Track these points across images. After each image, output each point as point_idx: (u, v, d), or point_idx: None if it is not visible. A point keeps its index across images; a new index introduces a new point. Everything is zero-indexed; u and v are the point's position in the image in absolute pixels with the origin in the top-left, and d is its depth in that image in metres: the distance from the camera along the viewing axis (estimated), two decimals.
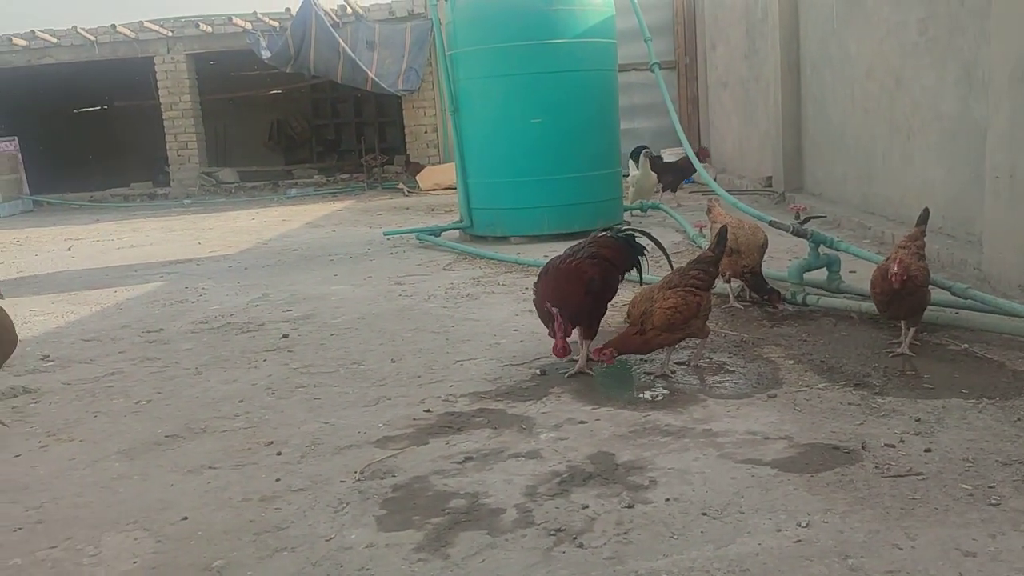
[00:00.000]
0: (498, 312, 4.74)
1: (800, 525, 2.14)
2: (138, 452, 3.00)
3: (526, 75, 6.92)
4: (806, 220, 4.47)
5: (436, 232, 7.70)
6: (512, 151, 7.07)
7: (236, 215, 11.85)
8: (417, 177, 13.55)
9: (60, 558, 2.25)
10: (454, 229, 7.74)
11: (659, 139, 12.58)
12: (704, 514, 2.24)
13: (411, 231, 7.95)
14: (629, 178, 8.27)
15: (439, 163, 14.02)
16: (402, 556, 2.13)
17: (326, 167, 16.93)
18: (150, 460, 2.92)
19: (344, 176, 15.30)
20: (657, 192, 8.73)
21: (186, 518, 2.44)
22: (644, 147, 8.60)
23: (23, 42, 14.90)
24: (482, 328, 4.42)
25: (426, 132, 14.55)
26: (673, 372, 3.45)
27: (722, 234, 3.64)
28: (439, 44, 7.49)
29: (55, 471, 2.87)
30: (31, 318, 5.51)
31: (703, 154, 9.88)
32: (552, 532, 2.19)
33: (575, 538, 2.15)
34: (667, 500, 2.33)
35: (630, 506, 2.31)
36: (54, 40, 14.90)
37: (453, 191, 12.29)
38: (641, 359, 3.66)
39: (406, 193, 13.22)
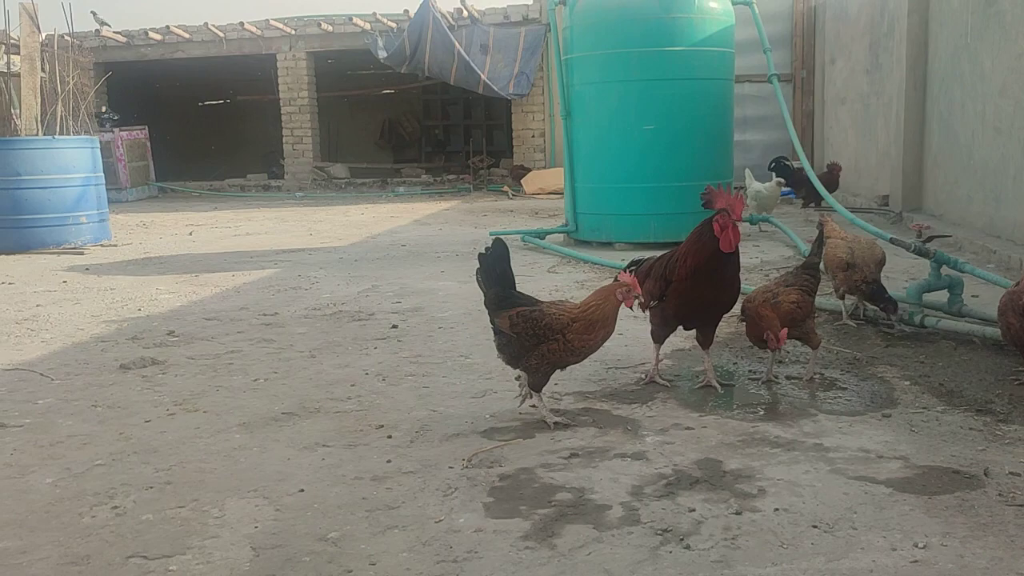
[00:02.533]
0: None
1: (917, 546, 2.08)
2: (257, 426, 3.14)
3: (641, 82, 6.92)
4: (929, 239, 4.33)
5: (541, 235, 7.76)
6: (622, 157, 7.06)
7: (346, 209, 12.20)
8: (522, 181, 13.67)
9: (188, 517, 2.38)
10: (559, 233, 7.79)
11: (770, 153, 12.33)
12: (815, 527, 2.20)
13: (516, 232, 8.03)
14: (748, 191, 7.98)
15: (544, 168, 14.10)
16: (509, 543, 2.17)
17: (433, 167, 17.24)
18: (268, 434, 3.05)
19: (451, 177, 15.55)
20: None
21: (302, 490, 2.54)
22: (783, 158, 8.39)
23: (158, 36, 15.70)
24: None
25: (533, 136, 14.66)
26: (776, 379, 3.41)
27: (820, 238, 3.69)
28: (555, 48, 7.54)
29: (181, 438, 3.03)
30: (157, 296, 5.81)
31: (836, 170, 9.58)
32: (659, 532, 2.20)
33: (682, 539, 2.15)
34: (776, 510, 2.31)
35: (738, 513, 2.29)
36: (186, 35, 15.65)
37: (557, 196, 12.39)
38: (748, 369, 3.61)
39: (510, 196, 13.35)
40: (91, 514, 2.42)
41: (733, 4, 7.27)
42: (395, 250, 7.76)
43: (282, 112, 15.77)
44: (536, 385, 3.05)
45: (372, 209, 12.07)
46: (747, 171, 8.27)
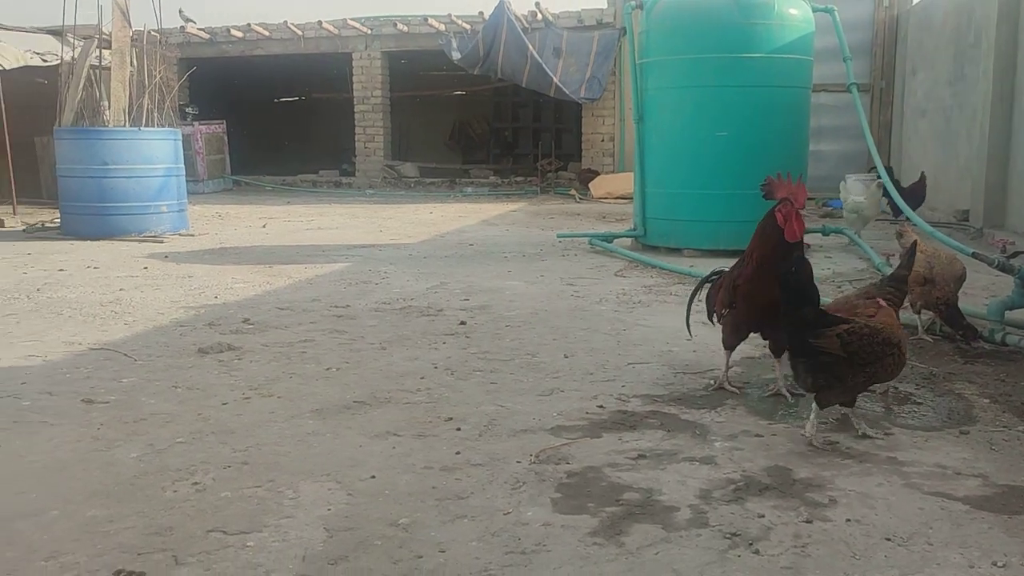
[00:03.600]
0: (671, 321, 4.73)
1: (996, 565, 2.04)
2: (329, 413, 3.21)
3: (716, 87, 6.86)
4: (1014, 255, 4.21)
5: (609, 238, 7.75)
6: (694, 163, 7.02)
7: (415, 208, 12.35)
8: (589, 185, 13.65)
9: (264, 497, 2.46)
10: (627, 237, 7.77)
11: (845, 164, 12.12)
12: (888, 539, 2.17)
13: (584, 235, 8.04)
14: (846, 204, 7.66)
15: (613, 172, 14.07)
16: (577, 538, 2.19)
17: (501, 169, 17.33)
18: (340, 421, 3.12)
19: (519, 179, 15.62)
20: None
21: (374, 477, 2.60)
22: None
23: (239, 34, 16.11)
24: (654, 335, 4.43)
25: (603, 141, 14.63)
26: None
27: (911, 250, 3.50)
28: (630, 52, 7.53)
29: (257, 421, 3.12)
30: (232, 285, 5.97)
31: (924, 181, 9.28)
32: (727, 535, 2.19)
33: (751, 544, 2.14)
34: (848, 520, 2.28)
35: (808, 521, 2.27)
36: (266, 33, 16.02)
37: (624, 200, 12.36)
38: None
39: (578, 199, 13.35)
40: (173, 488, 2.51)
41: (813, 11, 7.16)
42: (463, 249, 7.83)
43: (355, 110, 16.03)
44: (850, 403, 2.91)
45: (440, 208, 12.19)
46: (842, 183, 7.92)
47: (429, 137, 20.15)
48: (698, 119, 6.95)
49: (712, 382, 3.53)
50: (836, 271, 6.40)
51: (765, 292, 3.25)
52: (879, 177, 7.55)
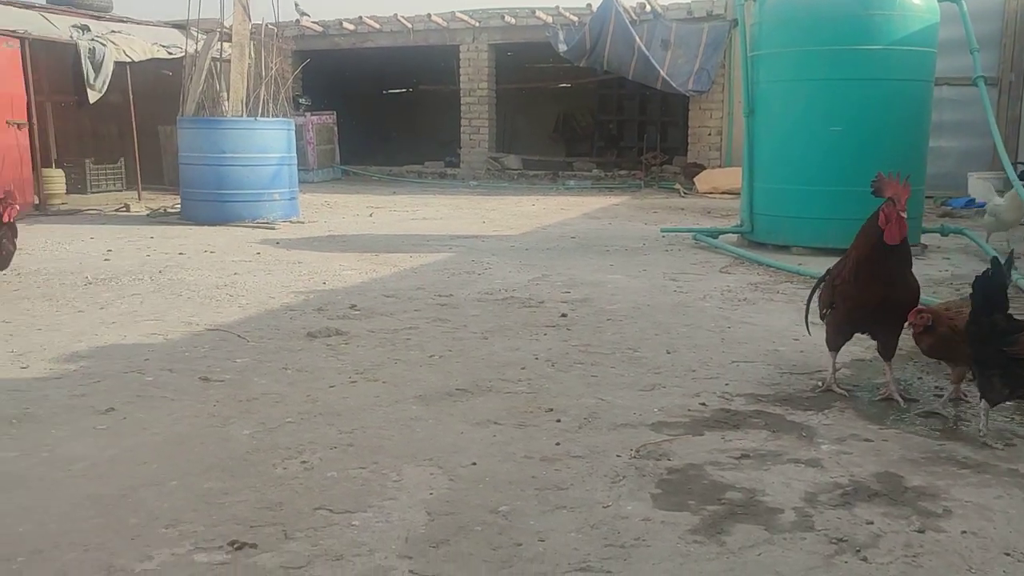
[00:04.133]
0: (777, 320, 4.62)
1: None
2: (432, 399, 3.27)
3: (832, 81, 6.64)
4: None
5: (714, 234, 7.62)
6: (805, 159, 6.81)
7: (517, 200, 12.40)
8: (695, 179, 13.43)
9: (368, 478, 2.52)
10: (732, 233, 7.61)
11: (967, 162, 11.57)
12: (1007, 554, 2.07)
13: (688, 230, 7.92)
14: (987, 206, 7.23)
15: (719, 167, 13.80)
16: (677, 535, 2.17)
17: (605, 162, 17.22)
18: (442, 408, 3.17)
19: (622, 172, 15.50)
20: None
21: (475, 463, 2.63)
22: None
23: (351, 26, 16.51)
24: (760, 333, 4.33)
25: (710, 135, 14.37)
26: (965, 396, 3.21)
27: None
28: (742, 44, 7.37)
29: (362, 404, 3.20)
30: (340, 272, 6.14)
31: None
32: (833, 540, 2.13)
33: (858, 551, 2.08)
34: (963, 532, 2.18)
35: (920, 531, 2.19)
36: (377, 26, 16.36)
37: (730, 196, 12.11)
38: (934, 385, 3.42)
39: (682, 194, 13.16)
40: (283, 466, 2.61)
41: (939, 0, 6.84)
42: (565, 242, 7.83)
43: (461, 102, 16.20)
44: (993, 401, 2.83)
45: (543, 201, 12.22)
46: (976, 182, 7.47)
47: (533, 129, 20.19)
48: (811, 113, 6.74)
49: (820, 384, 3.44)
50: (955, 273, 6.12)
51: (864, 292, 3.17)
52: (1007, 176, 7.15)
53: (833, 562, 2.03)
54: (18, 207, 5.27)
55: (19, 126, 9.42)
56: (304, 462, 2.63)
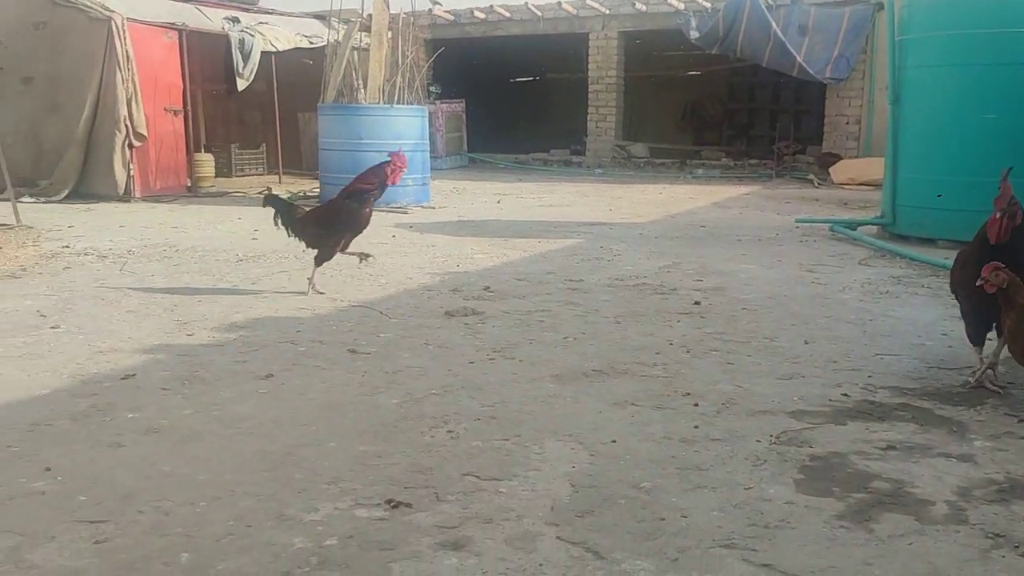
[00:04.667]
0: (923, 314, 4.46)
1: None
2: (568, 379, 3.34)
3: (986, 66, 6.31)
4: None
5: (852, 225, 7.38)
6: (955, 148, 6.51)
7: (643, 188, 12.33)
8: (830, 169, 12.99)
9: (512, 449, 2.62)
10: (872, 224, 7.36)
11: None
12: None
13: (825, 221, 7.71)
14: None
15: (856, 156, 13.30)
16: (823, 520, 2.16)
17: (734, 151, 16.88)
18: (579, 387, 3.23)
19: (752, 161, 15.15)
20: None
21: (614, 441, 2.68)
22: None
23: (482, 15, 16.74)
24: (904, 327, 4.20)
25: (847, 123, 13.86)
26: None
27: None
28: (888, 29, 7.09)
29: (502, 380, 3.30)
30: (472, 255, 6.28)
31: None
32: (989, 535, 2.08)
33: (1017, 546, 2.02)
34: None
35: None
36: (507, 14, 16.53)
37: (868, 187, 11.66)
38: None
39: (816, 184, 12.76)
40: (430, 434, 2.73)
41: None
42: (694, 230, 7.75)
43: (589, 90, 16.18)
44: None
45: (670, 189, 12.10)
46: None
47: (660, 117, 19.96)
48: (963, 100, 6.43)
49: (970, 379, 3.31)
50: None
51: (969, 285, 3.07)
52: None
53: (990, 556, 1.98)
54: (403, 170, 4.98)
55: (175, 113, 10.03)
56: (450, 431, 2.75)
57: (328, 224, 4.89)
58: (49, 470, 2.43)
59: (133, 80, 9.33)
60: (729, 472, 2.46)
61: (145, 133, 9.49)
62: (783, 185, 12.91)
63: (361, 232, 5.00)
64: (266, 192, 10.73)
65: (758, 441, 2.70)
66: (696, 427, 2.82)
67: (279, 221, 4.91)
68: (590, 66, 16.15)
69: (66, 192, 9.40)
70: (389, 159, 4.88)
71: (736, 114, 19.45)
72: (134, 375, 3.29)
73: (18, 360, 3.49)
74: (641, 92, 19.23)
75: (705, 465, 2.51)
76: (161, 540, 2.04)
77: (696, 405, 3.04)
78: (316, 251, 4.88)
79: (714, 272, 5.64)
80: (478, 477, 2.41)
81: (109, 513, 2.17)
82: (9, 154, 8.24)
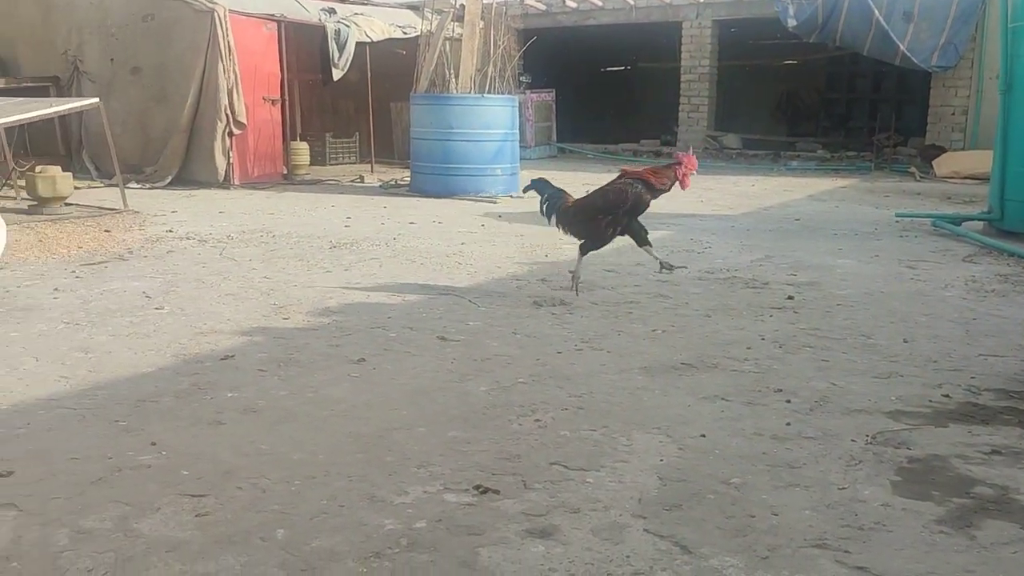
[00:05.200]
0: None
1: None
2: (657, 371, 3.31)
3: None
4: None
5: (956, 220, 7.09)
6: None
7: (735, 179, 12.08)
8: (933, 162, 12.49)
9: (599, 440, 2.61)
10: (978, 220, 7.05)
11: None
12: None
13: (927, 215, 7.42)
14: None
15: (963, 149, 12.75)
16: (921, 523, 2.10)
17: (831, 143, 16.38)
18: (668, 380, 3.21)
19: (850, 153, 14.68)
20: None
21: (704, 435, 2.65)
22: None
23: (573, 4, 16.65)
24: (1010, 327, 4.02)
25: (953, 114, 13.29)
26: None
27: None
28: (1001, 14, 6.76)
29: (589, 371, 3.30)
30: (560, 245, 6.26)
31: None
32: None
33: None
34: None
35: None
36: (599, 3, 16.39)
37: (974, 181, 11.17)
38: None
39: (917, 178, 12.28)
40: (518, 422, 2.75)
41: None
42: (788, 223, 7.57)
43: (681, 80, 15.94)
44: None
45: (763, 181, 11.83)
46: None
47: (753, 108, 19.51)
48: None
49: None
50: None
51: None
52: None
53: None
54: (693, 172, 4.70)
55: (273, 102, 10.31)
56: (538, 420, 2.76)
57: (604, 209, 4.65)
58: (154, 444, 2.54)
59: (234, 70, 9.62)
60: (822, 471, 2.40)
61: (245, 122, 9.78)
62: (882, 178, 12.48)
63: (636, 217, 4.70)
64: (357, 180, 10.93)
65: (853, 441, 2.63)
66: (788, 424, 2.76)
67: (544, 206, 4.76)
68: (683, 55, 15.90)
69: (170, 178, 9.78)
70: (679, 162, 4.62)
71: (833, 104, 18.87)
72: (233, 356, 3.41)
73: (126, 339, 3.66)
74: (734, 81, 18.83)
75: (797, 463, 2.46)
76: (258, 516, 2.11)
77: (788, 402, 2.98)
78: (582, 240, 4.70)
79: (808, 266, 5.50)
80: (565, 467, 2.41)
81: (210, 488, 2.26)
82: (119, 142, 8.62)
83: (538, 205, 4.92)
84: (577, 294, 4.57)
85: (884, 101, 17.51)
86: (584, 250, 4.70)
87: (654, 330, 3.93)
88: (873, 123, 16.12)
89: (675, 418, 2.81)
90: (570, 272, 4.66)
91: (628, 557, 1.93)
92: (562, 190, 4.93)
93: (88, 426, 2.68)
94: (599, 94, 21.61)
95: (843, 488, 2.29)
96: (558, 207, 4.76)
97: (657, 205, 8.65)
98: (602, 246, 4.73)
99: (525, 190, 4.83)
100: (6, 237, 5.26)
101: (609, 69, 22.16)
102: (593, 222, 4.66)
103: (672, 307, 4.39)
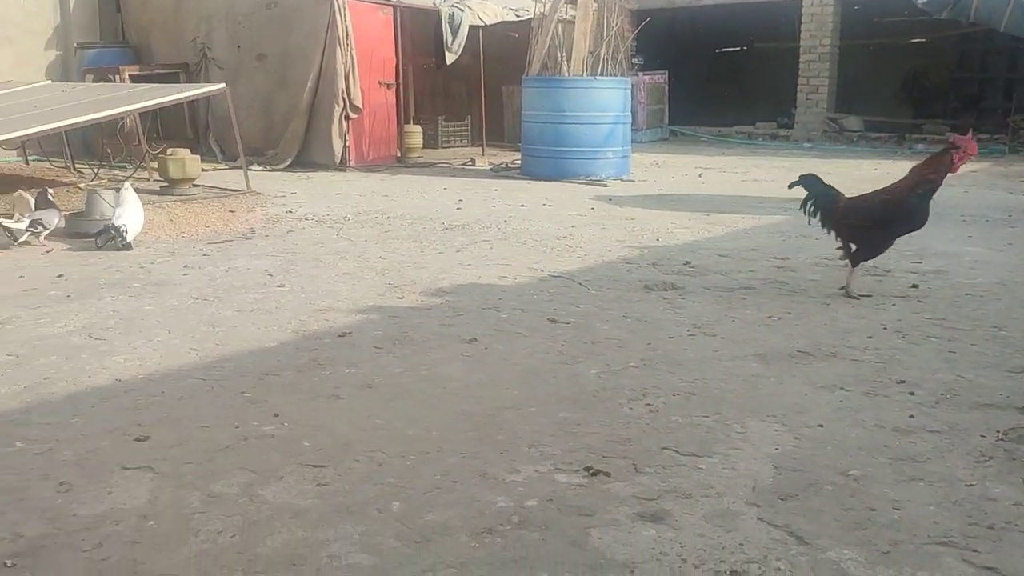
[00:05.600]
0: None
1: None
2: (772, 359, 3.23)
3: None
4: None
5: None
6: None
7: (856, 163, 11.64)
8: None
9: (712, 426, 2.58)
10: None
11: None
12: None
13: None
14: None
15: None
16: None
17: (961, 124, 15.53)
18: (784, 368, 3.13)
19: (982, 136, 13.89)
20: None
21: (821, 425, 2.58)
22: None
23: None
24: None
25: None
26: None
27: None
28: None
29: (702, 357, 3.25)
30: (672, 229, 6.20)
31: None
32: None
33: None
34: None
35: None
36: None
37: None
38: None
39: None
40: (629, 406, 2.74)
41: None
42: None
43: (800, 60, 15.41)
44: None
45: (886, 165, 11.33)
46: None
47: (877, 88, 18.69)
48: None
49: None
50: None
51: None
52: None
53: None
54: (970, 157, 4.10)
55: (388, 86, 10.52)
56: (648, 404, 2.75)
57: (883, 220, 4.16)
58: (277, 416, 2.65)
59: (351, 55, 9.85)
60: (948, 466, 2.30)
61: (360, 106, 10.01)
62: (1017, 162, 11.78)
63: (917, 230, 4.28)
64: (468, 164, 11.04)
65: (982, 436, 2.50)
66: (911, 416, 2.66)
67: (810, 206, 4.35)
68: (803, 34, 15.37)
69: (289, 161, 10.12)
70: (955, 145, 4.04)
71: (964, 84, 17.87)
72: (350, 333, 3.52)
73: (250, 314, 3.82)
74: (856, 61, 18.07)
75: (921, 457, 2.36)
76: (375, 488, 2.18)
77: (912, 394, 2.86)
78: (855, 247, 4.23)
79: (934, 254, 5.26)
80: (677, 452, 2.39)
81: (329, 459, 2.34)
82: (243, 126, 8.97)
83: (801, 204, 4.47)
84: (852, 292, 4.21)
85: (1021, 81, 16.47)
86: (856, 260, 4.23)
87: (769, 316, 3.84)
88: (1008, 104, 15.21)
89: (791, 407, 2.74)
90: (841, 289, 4.25)
91: (741, 545, 1.90)
92: (834, 189, 4.47)
93: (216, 396, 2.82)
94: (713, 76, 21.13)
95: (971, 485, 2.19)
96: (830, 208, 4.33)
97: (772, 189, 8.48)
98: (875, 256, 4.30)
99: (791, 186, 4.44)
100: (143, 218, 5.57)
101: (725, 49, 21.64)
102: (867, 230, 4.20)
103: (788, 293, 4.28)
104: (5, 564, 1.82)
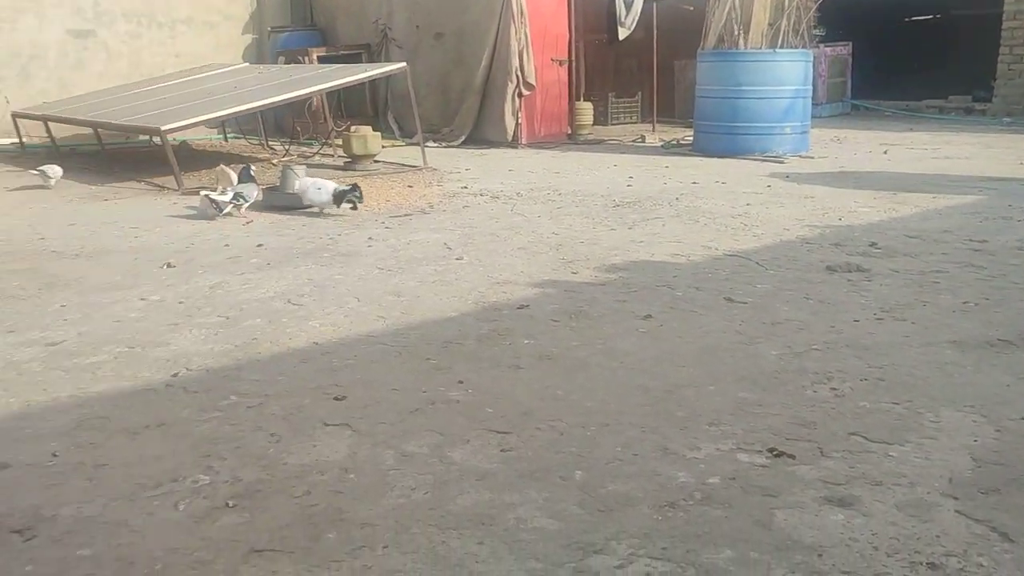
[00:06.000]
0: None
1: None
2: (969, 346, 3.05)
3: None
4: None
5: None
6: None
7: None
8: None
9: (902, 414, 2.47)
10: None
11: None
12: None
13: None
14: None
15: None
16: None
17: None
18: (982, 356, 2.95)
19: None
20: None
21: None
22: None
23: None
24: None
25: None
26: None
27: None
28: None
29: (890, 342, 3.11)
30: (855, 208, 5.92)
31: None
32: None
33: None
34: None
35: None
36: None
37: None
38: None
39: None
40: (812, 389, 2.67)
41: None
42: None
43: (1003, 27, 14.22)
44: None
45: None
46: None
47: None
48: None
49: None
50: None
51: None
52: None
53: None
54: None
55: (561, 63, 10.56)
56: (834, 388, 2.67)
57: None
58: (461, 383, 2.76)
59: (525, 32, 9.96)
60: None
61: (534, 83, 10.11)
62: None
63: None
64: (638, 140, 10.93)
65: None
66: None
67: None
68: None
69: (463, 138, 10.37)
70: None
71: None
72: (528, 306, 3.60)
73: (431, 285, 3.98)
74: None
75: None
76: (557, 456, 2.24)
77: None
78: None
79: None
80: (865, 438, 2.32)
81: (512, 426, 2.43)
82: (420, 104, 9.28)
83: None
84: None
85: None
86: None
87: (965, 302, 3.61)
88: None
89: (991, 397, 2.58)
90: None
91: (938, 537, 1.83)
92: None
93: (404, 361, 2.97)
94: (902, 46, 19.86)
95: None
96: None
97: (966, 167, 7.92)
98: None
99: None
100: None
101: (916, 18, 20.28)
102: None
103: (986, 278, 4.01)
104: (228, 504, 2.01)
